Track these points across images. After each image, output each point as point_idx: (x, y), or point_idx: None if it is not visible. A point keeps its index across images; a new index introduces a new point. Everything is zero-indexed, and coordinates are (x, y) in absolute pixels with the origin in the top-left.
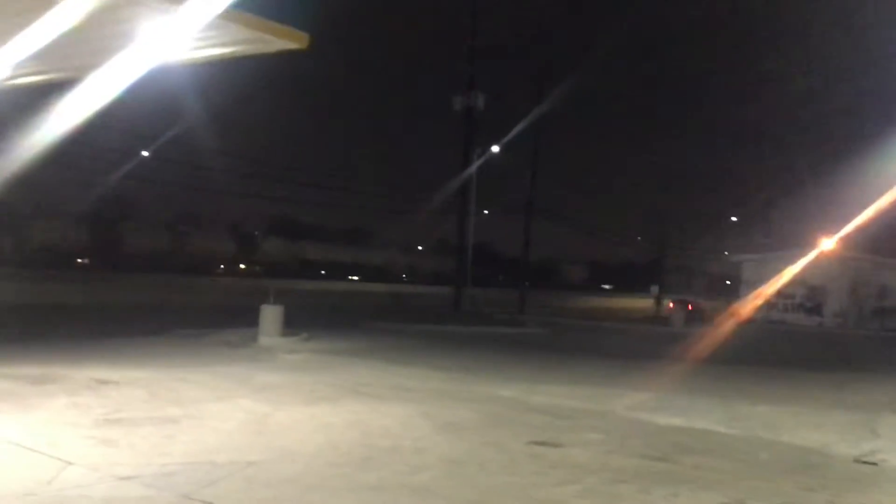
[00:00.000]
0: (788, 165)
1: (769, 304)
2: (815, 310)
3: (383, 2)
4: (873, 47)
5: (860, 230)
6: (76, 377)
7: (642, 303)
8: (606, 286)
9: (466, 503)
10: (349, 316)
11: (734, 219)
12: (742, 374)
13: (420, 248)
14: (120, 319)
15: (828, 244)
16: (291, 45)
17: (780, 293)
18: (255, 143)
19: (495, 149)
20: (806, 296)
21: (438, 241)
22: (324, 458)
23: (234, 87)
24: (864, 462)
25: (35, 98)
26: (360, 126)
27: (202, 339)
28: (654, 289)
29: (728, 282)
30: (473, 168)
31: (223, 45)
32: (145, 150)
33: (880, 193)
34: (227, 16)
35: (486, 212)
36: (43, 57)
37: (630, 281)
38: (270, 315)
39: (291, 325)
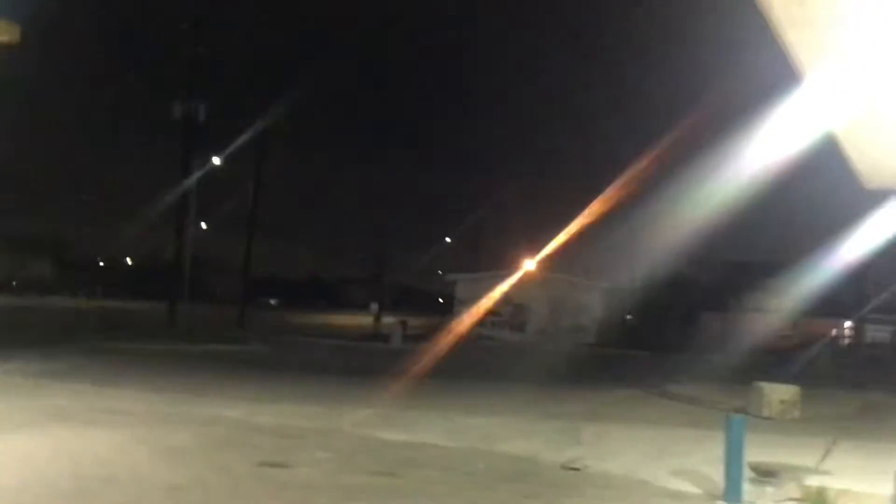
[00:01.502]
0: (497, 189)
1: (480, 322)
2: (520, 326)
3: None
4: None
5: (559, 252)
6: None
7: (362, 319)
8: (325, 302)
9: None
10: (51, 334)
11: (448, 239)
12: (458, 389)
13: (129, 260)
14: None
15: (530, 265)
16: (1, 38)
17: (489, 311)
18: None
19: (216, 160)
20: (511, 313)
21: (149, 254)
22: (31, 492)
23: None
24: (570, 468)
25: None
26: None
27: None
28: (374, 306)
29: (442, 300)
30: (193, 175)
31: None
32: None
33: (574, 217)
34: None
35: (203, 226)
36: None
37: (349, 297)
38: None
39: None
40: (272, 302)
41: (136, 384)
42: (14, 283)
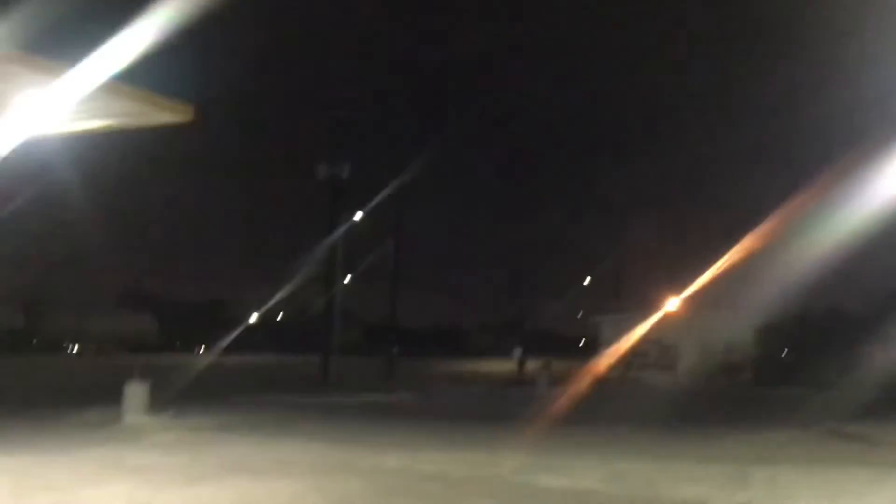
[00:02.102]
0: (636, 230)
1: (626, 363)
2: (669, 367)
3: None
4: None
5: (706, 289)
6: None
7: (505, 365)
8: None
9: None
10: (214, 390)
11: (586, 281)
12: (612, 433)
13: (279, 317)
14: None
15: (674, 303)
16: (175, 118)
17: (635, 352)
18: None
19: (358, 217)
20: (660, 354)
21: (298, 309)
22: None
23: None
24: None
25: None
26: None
27: (60, 420)
28: (517, 351)
29: (583, 342)
30: (339, 234)
31: (104, 117)
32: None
33: (721, 251)
34: (109, 88)
35: (346, 280)
36: None
37: (488, 344)
38: (136, 392)
39: (156, 401)
40: (394, 351)
41: (300, 435)
42: (178, 343)
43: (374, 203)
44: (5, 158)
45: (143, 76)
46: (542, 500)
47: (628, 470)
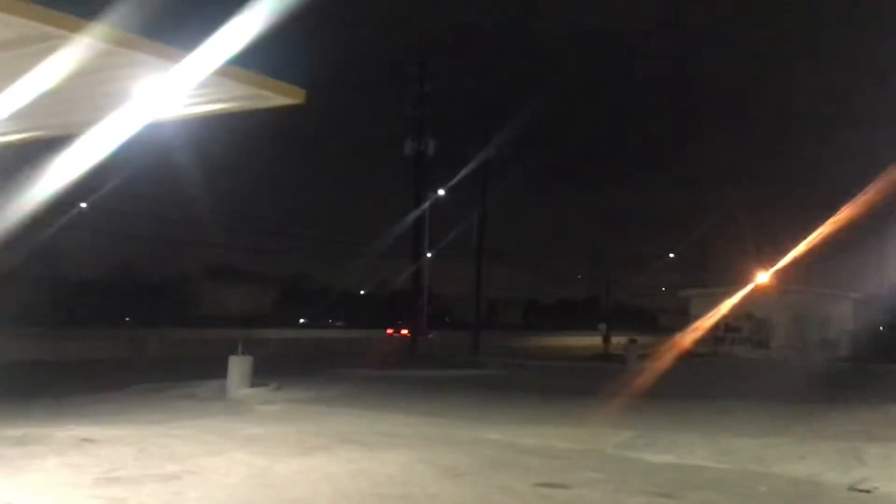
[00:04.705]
0: (724, 201)
1: (717, 338)
2: (763, 342)
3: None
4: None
5: (799, 263)
6: (59, 436)
7: (589, 340)
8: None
9: None
10: (309, 363)
11: (672, 255)
12: (712, 409)
13: (362, 292)
14: (76, 375)
15: (765, 277)
16: (289, 101)
17: (728, 327)
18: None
19: (441, 192)
20: (753, 328)
21: (380, 284)
22: None
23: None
24: (859, 490)
25: (23, 155)
26: (310, 171)
27: (167, 392)
28: (602, 326)
29: (669, 317)
30: (425, 208)
31: (219, 101)
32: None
33: (814, 226)
34: (224, 72)
35: (428, 255)
36: (35, 114)
37: (569, 318)
38: (239, 366)
39: (255, 374)
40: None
41: (398, 408)
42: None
43: (455, 180)
44: (128, 142)
45: (254, 59)
46: (648, 474)
47: (734, 446)
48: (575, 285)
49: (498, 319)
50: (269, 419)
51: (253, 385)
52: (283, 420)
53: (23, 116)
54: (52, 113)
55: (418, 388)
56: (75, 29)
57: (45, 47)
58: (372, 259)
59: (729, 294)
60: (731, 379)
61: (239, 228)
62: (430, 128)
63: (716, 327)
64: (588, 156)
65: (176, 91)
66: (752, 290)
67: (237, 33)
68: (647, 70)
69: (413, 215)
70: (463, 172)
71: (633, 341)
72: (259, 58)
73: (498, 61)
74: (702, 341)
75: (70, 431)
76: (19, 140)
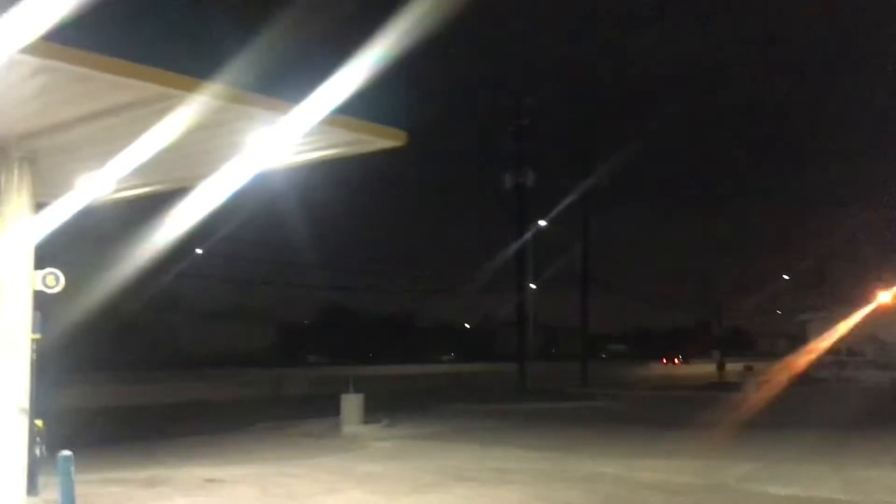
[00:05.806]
0: (840, 223)
1: (839, 362)
2: (888, 365)
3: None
4: None
5: None
6: (183, 477)
7: (702, 369)
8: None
9: None
10: (417, 399)
11: (786, 277)
12: (839, 437)
13: (466, 325)
14: (193, 417)
15: (886, 297)
16: (390, 144)
17: (850, 350)
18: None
19: (542, 223)
20: (877, 352)
21: (483, 318)
22: None
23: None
24: None
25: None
26: (411, 210)
27: (284, 431)
28: (716, 353)
29: (780, 342)
30: (527, 238)
31: (325, 148)
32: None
33: None
34: (330, 121)
35: (532, 286)
36: (154, 169)
37: (678, 346)
38: (352, 404)
39: (366, 411)
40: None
41: (511, 443)
42: (370, 354)
43: (561, 207)
44: (239, 191)
45: (355, 102)
46: None
47: (867, 478)
48: (683, 312)
49: (602, 350)
50: (384, 456)
51: (365, 422)
52: (397, 457)
53: (143, 171)
54: (169, 167)
55: (530, 422)
56: (192, 88)
57: (163, 107)
58: (477, 294)
59: (848, 317)
60: (856, 405)
61: (352, 269)
62: (534, 160)
63: (836, 351)
64: (705, 181)
65: (284, 141)
66: (874, 312)
67: (342, 84)
68: (758, 91)
69: (514, 247)
70: (564, 203)
71: (749, 368)
72: (360, 100)
73: (601, 90)
74: (820, 365)
75: (192, 472)
76: (140, 194)
